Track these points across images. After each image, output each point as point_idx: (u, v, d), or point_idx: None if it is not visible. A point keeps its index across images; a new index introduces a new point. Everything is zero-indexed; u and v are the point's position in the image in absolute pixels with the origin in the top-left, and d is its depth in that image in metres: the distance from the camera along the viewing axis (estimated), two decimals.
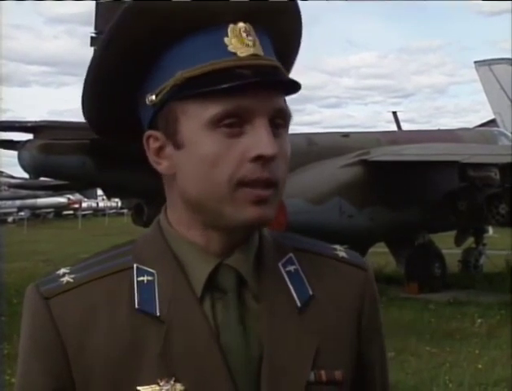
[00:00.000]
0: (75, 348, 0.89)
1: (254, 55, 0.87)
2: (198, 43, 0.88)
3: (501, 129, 17.03)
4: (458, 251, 13.24)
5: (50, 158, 9.56)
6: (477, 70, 25.13)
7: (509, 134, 15.20)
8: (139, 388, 0.86)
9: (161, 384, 0.85)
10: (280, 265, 0.95)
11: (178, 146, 0.89)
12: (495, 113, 24.79)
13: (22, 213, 36.95)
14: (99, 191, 15.11)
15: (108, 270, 0.92)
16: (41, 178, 12.66)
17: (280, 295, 0.93)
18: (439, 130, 14.65)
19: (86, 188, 15.48)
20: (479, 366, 6.60)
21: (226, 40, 0.87)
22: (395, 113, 19.75)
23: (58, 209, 43.16)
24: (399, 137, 12.83)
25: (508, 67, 24.47)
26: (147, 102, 0.90)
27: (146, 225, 11.68)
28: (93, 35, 9.91)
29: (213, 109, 0.86)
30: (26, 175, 11.26)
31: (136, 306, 0.89)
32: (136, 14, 0.88)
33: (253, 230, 0.93)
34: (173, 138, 0.89)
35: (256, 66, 0.87)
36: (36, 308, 0.91)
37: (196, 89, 0.86)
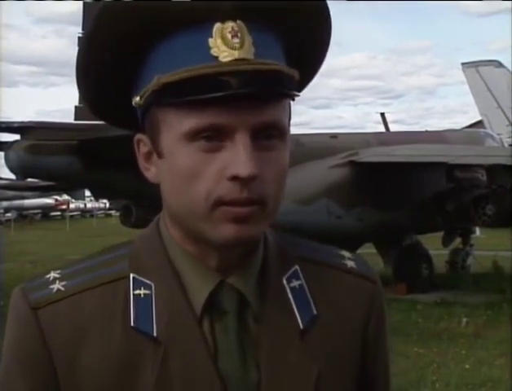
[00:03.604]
0: (64, 366, 0.83)
1: (240, 60, 0.78)
2: (180, 44, 0.80)
3: (488, 131, 17.17)
4: (445, 252, 13.31)
5: (38, 159, 9.51)
6: (464, 72, 25.31)
7: (496, 136, 15.32)
8: None
9: None
10: (284, 280, 0.90)
11: (159, 154, 0.84)
12: (482, 115, 24.97)
13: (9, 214, 36.70)
14: (87, 192, 15.03)
15: (102, 278, 0.86)
16: (29, 179, 12.59)
17: (282, 316, 0.87)
18: (426, 132, 14.74)
19: (73, 189, 15.40)
20: (466, 366, 6.64)
21: (210, 41, 0.78)
22: (382, 114, 19.86)
23: (45, 210, 42.91)
24: (388, 138, 12.89)
25: (495, 69, 24.66)
26: (134, 103, 0.84)
27: (134, 226, 11.65)
28: (80, 35, 9.88)
29: (189, 122, 0.78)
30: (13, 176, 11.19)
31: (132, 324, 0.83)
32: (111, 15, 0.81)
33: (238, 249, 0.84)
34: (155, 145, 0.84)
35: (242, 72, 0.77)
36: (23, 318, 0.84)
37: (172, 97, 0.79)
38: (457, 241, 13.33)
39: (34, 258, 16.69)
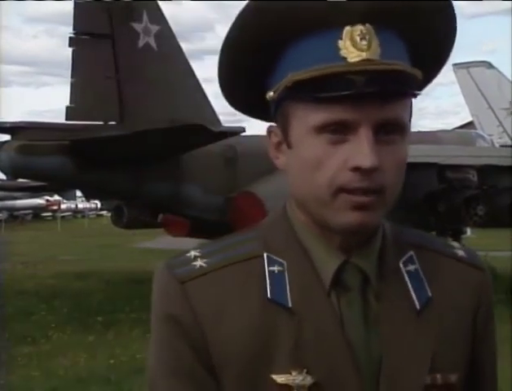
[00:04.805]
0: (211, 333, 0.91)
1: (366, 60, 0.85)
2: (311, 45, 0.88)
3: (479, 131, 17.26)
4: None
5: (29, 159, 9.45)
6: (455, 73, 25.44)
7: (487, 136, 15.40)
8: (273, 376, 0.88)
9: (293, 374, 0.88)
10: (401, 263, 0.96)
11: (288, 145, 0.92)
12: (472, 115, 25.10)
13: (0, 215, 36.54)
14: (78, 193, 15.00)
15: (239, 256, 0.94)
16: (20, 179, 12.53)
17: (401, 296, 0.94)
18: (419, 132, 14.78)
19: (65, 189, 15.36)
20: None
21: (340, 43, 0.86)
22: None
23: (36, 211, 42.71)
24: None
25: (485, 70, 24.80)
26: (268, 97, 0.93)
27: (126, 226, 11.61)
28: (71, 35, 9.83)
29: (318, 116, 0.86)
30: (4, 176, 11.15)
31: (269, 296, 0.90)
32: (255, 13, 0.89)
33: (358, 234, 0.91)
34: (286, 136, 0.92)
35: (369, 72, 0.84)
36: (172, 291, 0.92)
37: (303, 93, 0.87)
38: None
39: (25, 259, 16.60)
